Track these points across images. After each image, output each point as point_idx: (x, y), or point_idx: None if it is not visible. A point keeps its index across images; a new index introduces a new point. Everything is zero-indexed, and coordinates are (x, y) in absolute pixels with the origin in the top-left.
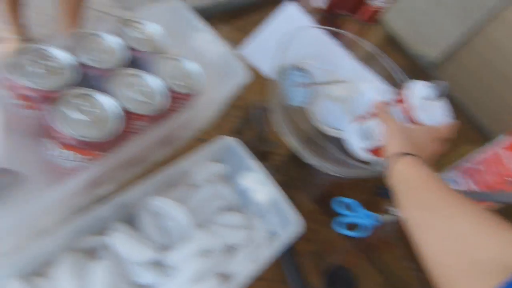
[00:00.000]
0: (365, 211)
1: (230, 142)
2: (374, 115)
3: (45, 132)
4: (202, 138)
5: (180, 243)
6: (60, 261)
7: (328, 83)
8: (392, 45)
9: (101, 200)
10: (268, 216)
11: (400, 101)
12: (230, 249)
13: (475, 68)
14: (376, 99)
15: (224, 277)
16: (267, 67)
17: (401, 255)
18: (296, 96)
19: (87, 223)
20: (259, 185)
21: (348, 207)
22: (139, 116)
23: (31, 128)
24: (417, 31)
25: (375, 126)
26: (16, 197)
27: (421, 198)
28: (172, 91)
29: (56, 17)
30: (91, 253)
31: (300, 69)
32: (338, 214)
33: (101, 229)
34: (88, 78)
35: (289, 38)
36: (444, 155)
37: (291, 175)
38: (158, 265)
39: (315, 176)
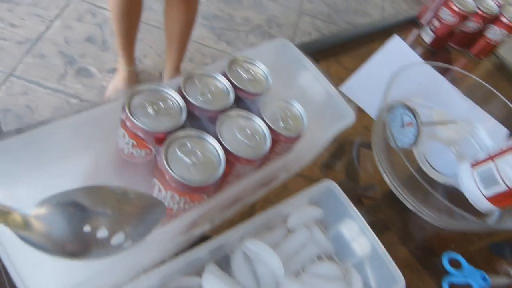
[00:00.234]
0: (477, 270)
1: (330, 185)
2: (496, 156)
3: (154, 173)
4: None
5: None
6: None
7: (436, 123)
8: (508, 81)
9: (196, 240)
10: (365, 269)
11: None
12: None
13: None
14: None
15: None
16: (370, 104)
17: None
18: (401, 136)
19: (182, 265)
20: (358, 234)
21: (456, 264)
22: (243, 160)
23: (140, 168)
24: None
25: (499, 169)
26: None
27: None
28: (277, 134)
29: (163, 50)
30: None
31: (407, 107)
32: (445, 272)
33: (195, 270)
34: (196, 119)
35: (395, 75)
36: None
37: (385, 219)
38: None
39: (414, 224)
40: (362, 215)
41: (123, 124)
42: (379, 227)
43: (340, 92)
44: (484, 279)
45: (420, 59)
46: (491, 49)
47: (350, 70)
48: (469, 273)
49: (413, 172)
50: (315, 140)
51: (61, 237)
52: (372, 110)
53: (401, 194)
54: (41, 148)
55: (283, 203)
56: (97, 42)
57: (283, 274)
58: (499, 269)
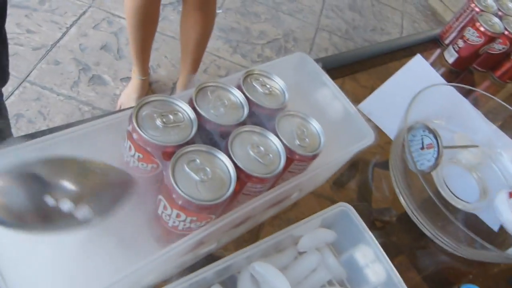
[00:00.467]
0: None
1: (345, 208)
2: None
3: (159, 189)
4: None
5: None
6: None
7: (457, 147)
8: None
9: (203, 259)
10: None
11: None
12: None
13: None
14: None
15: None
16: (388, 123)
17: None
18: (421, 159)
19: (187, 285)
20: (372, 261)
21: None
22: (255, 178)
23: (145, 183)
24: None
25: None
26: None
27: None
28: (292, 152)
29: (178, 60)
30: None
31: (428, 129)
32: None
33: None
34: (207, 133)
35: (417, 95)
36: None
37: (399, 243)
38: None
39: (429, 250)
40: (375, 238)
41: (130, 136)
42: (392, 252)
43: (359, 111)
44: None
45: (442, 80)
46: None
47: (366, 88)
48: None
49: (432, 196)
50: (332, 160)
51: (20, 209)
52: (390, 130)
53: (417, 218)
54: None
55: (295, 225)
56: (112, 50)
57: None
58: None
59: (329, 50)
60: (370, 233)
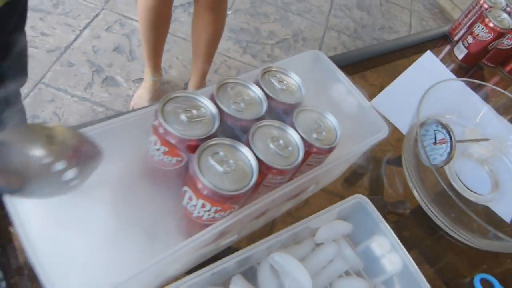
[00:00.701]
0: None
1: (361, 200)
2: None
3: (185, 181)
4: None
5: None
6: None
7: (469, 140)
8: None
9: (223, 250)
10: (395, 286)
11: None
12: None
13: None
14: None
15: None
16: (399, 119)
17: None
18: (434, 153)
19: (208, 275)
20: (389, 251)
21: (489, 286)
22: (276, 170)
23: (170, 175)
24: None
25: None
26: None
27: None
28: (310, 145)
29: (189, 61)
30: None
31: (440, 124)
32: None
33: (221, 281)
34: (228, 127)
35: (428, 90)
36: None
37: (413, 236)
38: None
39: (442, 243)
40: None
41: (155, 130)
42: (406, 244)
43: (373, 106)
44: None
45: (452, 76)
46: None
47: (375, 86)
48: None
49: (446, 189)
50: (348, 153)
51: (17, 172)
52: (401, 126)
53: (431, 211)
54: None
55: (313, 217)
56: (124, 52)
57: (311, 287)
58: None
59: (338, 49)
60: (386, 224)
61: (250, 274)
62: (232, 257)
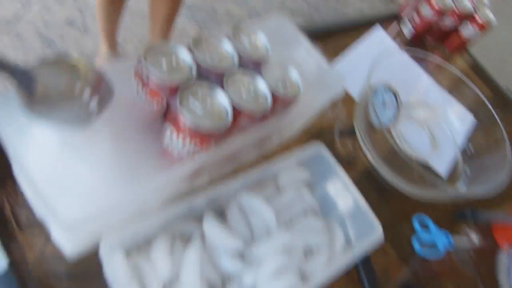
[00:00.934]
0: (443, 232)
1: (318, 147)
2: None
3: (166, 120)
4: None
5: (263, 239)
6: (158, 241)
7: (412, 106)
8: (477, 76)
9: (195, 191)
10: (347, 225)
11: None
12: (309, 251)
13: None
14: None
15: (303, 276)
16: (354, 86)
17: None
18: (382, 116)
19: (183, 210)
20: (342, 191)
21: (426, 226)
22: (246, 114)
23: (154, 116)
24: (504, 62)
25: None
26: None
27: None
28: (277, 95)
29: (144, 36)
30: (185, 238)
31: (389, 88)
32: (415, 232)
33: (194, 217)
34: (203, 77)
35: (378, 60)
36: None
37: (364, 190)
38: (242, 256)
39: (389, 194)
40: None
41: (138, 76)
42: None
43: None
44: (447, 238)
45: (399, 48)
46: (464, 45)
47: (328, 60)
48: (435, 233)
49: (394, 146)
50: (308, 106)
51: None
52: (354, 94)
53: (380, 167)
54: None
55: (275, 161)
56: (77, 25)
57: (275, 224)
58: (462, 232)
59: None
60: (341, 167)
61: (219, 214)
62: (203, 194)
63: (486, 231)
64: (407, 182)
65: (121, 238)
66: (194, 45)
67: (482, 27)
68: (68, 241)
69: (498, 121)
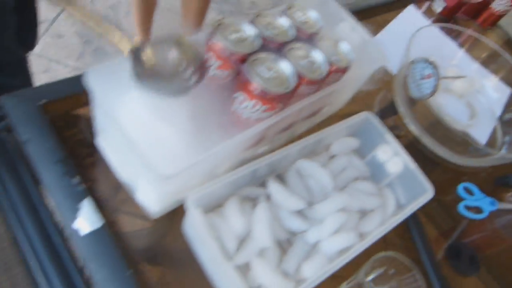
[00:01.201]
0: (486, 197)
1: (367, 116)
2: None
3: (237, 87)
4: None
5: (322, 201)
6: (230, 201)
7: (450, 77)
8: (509, 50)
9: (257, 159)
10: (398, 188)
11: None
12: (363, 214)
13: None
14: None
15: (359, 234)
16: (391, 62)
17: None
18: (422, 87)
19: (248, 175)
20: (392, 156)
21: (471, 193)
22: (305, 81)
23: (224, 84)
24: None
25: None
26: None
27: None
28: (331, 64)
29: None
30: (250, 201)
31: (427, 61)
32: (460, 199)
33: (258, 183)
34: (265, 48)
35: (414, 35)
36: None
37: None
38: (304, 216)
39: (431, 163)
40: None
41: (211, 48)
42: None
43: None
44: (492, 203)
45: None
46: (495, 19)
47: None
48: (480, 199)
49: (437, 115)
50: (355, 77)
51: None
52: (391, 69)
53: (423, 138)
54: None
55: (327, 129)
56: (111, 22)
57: (332, 186)
58: (504, 197)
59: None
60: (390, 134)
61: (279, 180)
62: (265, 159)
63: None
64: (450, 151)
65: (199, 198)
66: (256, 20)
67: None
68: (153, 200)
69: None
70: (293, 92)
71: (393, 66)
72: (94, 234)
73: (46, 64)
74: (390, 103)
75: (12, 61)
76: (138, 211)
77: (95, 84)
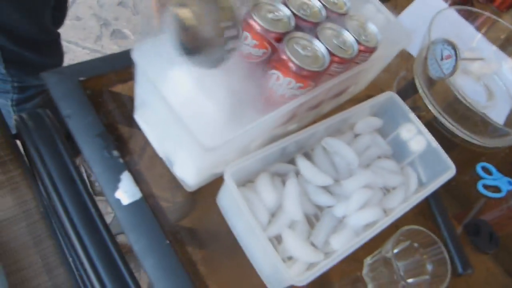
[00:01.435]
0: (504, 177)
1: (391, 95)
2: None
3: (273, 65)
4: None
5: (347, 177)
6: (261, 176)
7: (468, 59)
8: None
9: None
10: (419, 167)
11: None
12: (386, 190)
13: None
14: None
15: (384, 209)
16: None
17: None
18: (441, 68)
19: (278, 152)
20: (415, 134)
21: (489, 173)
22: (338, 59)
23: (260, 62)
24: None
25: None
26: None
27: None
28: (360, 45)
29: None
30: (280, 177)
31: (447, 42)
32: (479, 178)
33: (286, 159)
34: (298, 27)
35: (434, 17)
36: None
37: None
38: (330, 191)
39: (451, 143)
40: None
41: (249, 27)
42: None
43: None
44: (510, 183)
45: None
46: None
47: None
48: (498, 178)
49: (457, 95)
50: (381, 56)
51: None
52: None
53: (442, 118)
54: None
55: (352, 108)
56: (128, 6)
57: (357, 163)
58: None
59: None
60: (413, 113)
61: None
62: (294, 136)
63: None
64: (468, 131)
65: (235, 172)
66: (289, 1)
67: None
68: (191, 173)
69: None
70: (326, 71)
71: (412, 47)
72: (133, 205)
73: (64, 46)
74: (409, 84)
75: (49, 40)
76: (175, 185)
77: (141, 58)
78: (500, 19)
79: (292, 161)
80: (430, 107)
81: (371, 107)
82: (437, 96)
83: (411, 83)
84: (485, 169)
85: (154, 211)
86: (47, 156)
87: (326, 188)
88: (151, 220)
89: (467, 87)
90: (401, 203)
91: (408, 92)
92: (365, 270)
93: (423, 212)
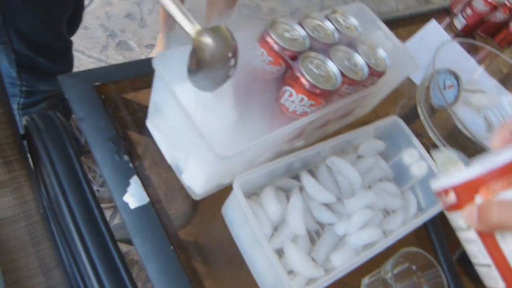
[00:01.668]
0: None
1: (396, 120)
2: None
3: (287, 82)
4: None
5: (350, 197)
6: (266, 190)
7: (469, 90)
8: None
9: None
10: (419, 191)
11: None
12: (386, 213)
13: None
14: None
15: (383, 231)
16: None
17: None
18: (443, 97)
19: (284, 167)
20: (417, 159)
21: None
22: (349, 80)
23: (273, 78)
24: None
25: None
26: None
27: None
28: (370, 68)
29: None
30: (284, 192)
31: (450, 72)
32: None
33: (291, 175)
34: (312, 48)
35: (438, 48)
36: None
37: None
38: (332, 209)
39: None
40: None
41: (265, 44)
42: None
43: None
44: None
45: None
46: None
47: None
48: None
49: (458, 124)
50: (389, 80)
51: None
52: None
53: (442, 144)
54: None
55: (356, 130)
56: (136, 19)
57: (360, 184)
58: None
59: None
60: (416, 138)
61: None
62: (300, 153)
63: None
64: (467, 159)
65: (243, 183)
66: (304, 21)
67: None
68: (199, 182)
69: None
70: (337, 91)
71: (415, 75)
72: (140, 210)
73: None
74: (410, 111)
75: (62, 47)
76: (182, 192)
77: (161, 66)
78: (501, 54)
79: (296, 177)
80: (431, 134)
81: (375, 129)
82: (438, 124)
83: (413, 110)
84: None
85: (160, 216)
86: (56, 157)
87: (328, 206)
88: (156, 225)
89: (468, 118)
90: (400, 226)
91: (409, 118)
92: None
93: (421, 236)
